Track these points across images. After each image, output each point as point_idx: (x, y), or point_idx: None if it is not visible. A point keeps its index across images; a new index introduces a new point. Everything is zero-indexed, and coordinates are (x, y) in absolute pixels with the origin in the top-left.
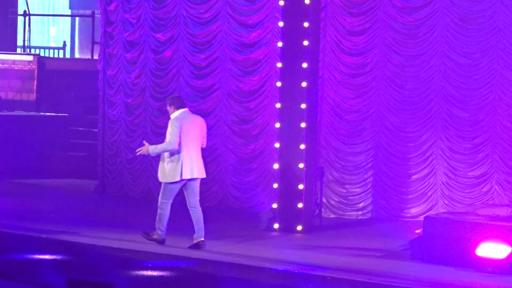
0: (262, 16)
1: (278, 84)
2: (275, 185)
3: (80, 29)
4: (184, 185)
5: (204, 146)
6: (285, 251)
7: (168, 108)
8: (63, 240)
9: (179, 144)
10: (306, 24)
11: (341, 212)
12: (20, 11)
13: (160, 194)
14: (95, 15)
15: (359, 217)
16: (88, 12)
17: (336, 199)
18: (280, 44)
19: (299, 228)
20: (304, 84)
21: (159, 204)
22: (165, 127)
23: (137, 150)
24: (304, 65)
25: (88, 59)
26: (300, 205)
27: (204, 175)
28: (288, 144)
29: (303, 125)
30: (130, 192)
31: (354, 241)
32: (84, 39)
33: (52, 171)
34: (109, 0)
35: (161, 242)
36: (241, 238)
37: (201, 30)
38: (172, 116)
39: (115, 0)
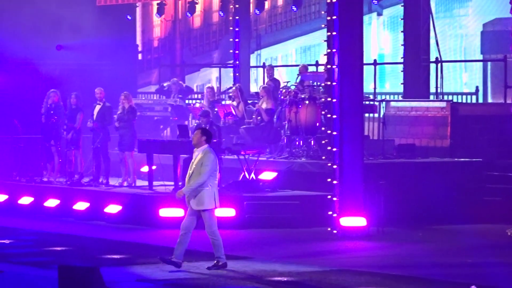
0: None
1: None
2: None
3: (492, 73)
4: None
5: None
6: None
7: (199, 137)
8: None
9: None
10: None
11: None
12: (432, 58)
13: (209, 224)
14: (507, 59)
15: None
16: (500, 56)
17: None
18: None
19: None
20: None
21: (210, 234)
22: None
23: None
24: None
25: (500, 103)
26: None
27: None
28: None
29: None
30: None
31: None
32: (496, 84)
33: (467, 216)
34: None
35: (225, 265)
36: None
37: None
38: (206, 149)
39: None
